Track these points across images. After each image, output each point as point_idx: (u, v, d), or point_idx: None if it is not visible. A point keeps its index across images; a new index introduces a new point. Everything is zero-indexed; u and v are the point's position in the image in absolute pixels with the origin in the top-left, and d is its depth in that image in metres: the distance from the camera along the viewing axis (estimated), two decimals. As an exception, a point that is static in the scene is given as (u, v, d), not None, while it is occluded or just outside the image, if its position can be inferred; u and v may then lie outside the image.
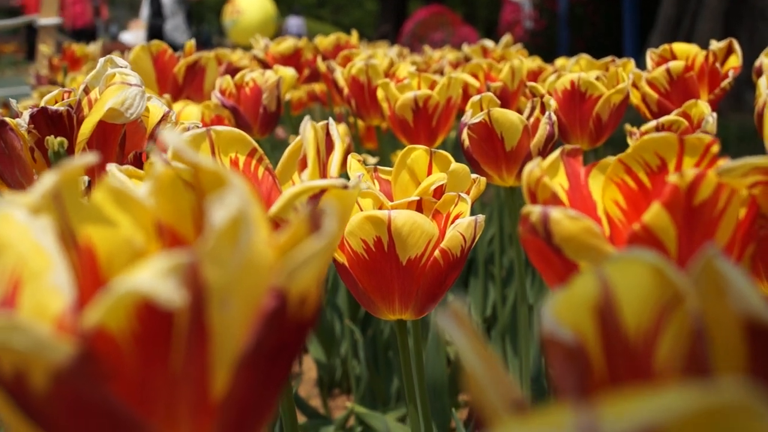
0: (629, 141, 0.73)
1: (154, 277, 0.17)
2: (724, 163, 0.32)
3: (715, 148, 0.36)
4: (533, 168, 0.34)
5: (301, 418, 1.18)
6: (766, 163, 0.31)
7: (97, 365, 0.17)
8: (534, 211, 0.31)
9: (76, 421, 0.18)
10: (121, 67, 0.49)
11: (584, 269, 0.30)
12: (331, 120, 0.33)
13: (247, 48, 2.10)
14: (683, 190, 0.32)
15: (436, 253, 0.46)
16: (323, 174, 0.33)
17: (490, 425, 0.14)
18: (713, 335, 0.18)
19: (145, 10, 5.59)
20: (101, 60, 0.51)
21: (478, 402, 0.15)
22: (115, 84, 0.48)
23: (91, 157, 0.22)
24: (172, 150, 0.22)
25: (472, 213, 0.48)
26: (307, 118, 0.32)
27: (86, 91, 0.51)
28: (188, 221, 0.22)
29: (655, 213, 0.32)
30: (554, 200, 0.34)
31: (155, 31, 5.33)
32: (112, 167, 0.35)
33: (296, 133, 0.70)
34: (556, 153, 0.38)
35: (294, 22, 9.81)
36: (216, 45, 9.11)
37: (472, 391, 0.15)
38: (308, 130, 0.31)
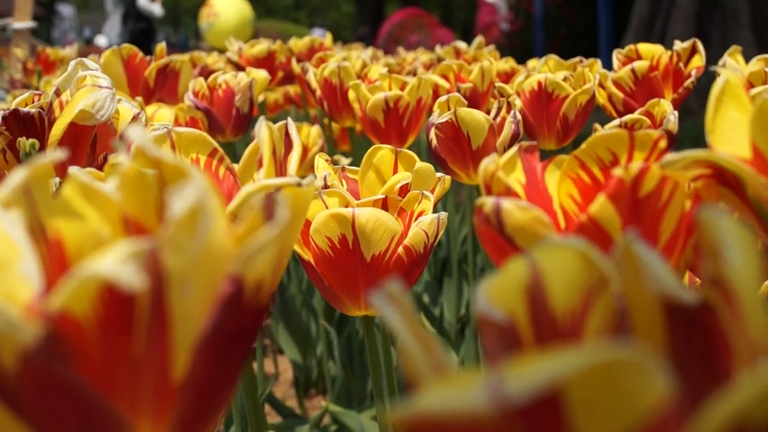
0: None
1: (115, 262, 0.18)
2: (668, 156, 0.34)
3: (663, 143, 0.37)
4: (488, 163, 0.35)
5: (277, 419, 1.19)
6: (705, 156, 0.32)
7: (63, 346, 0.19)
8: (487, 202, 0.33)
9: (43, 401, 0.19)
10: (92, 69, 0.50)
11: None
12: (289, 120, 0.34)
13: (224, 51, 2.10)
14: (628, 183, 0.33)
15: (400, 249, 0.48)
16: (281, 173, 0.34)
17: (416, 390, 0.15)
18: (634, 314, 0.19)
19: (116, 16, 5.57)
20: (72, 63, 0.52)
21: (411, 376, 0.16)
22: (86, 86, 0.49)
23: (60, 154, 0.23)
24: (136, 146, 0.23)
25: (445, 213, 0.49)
26: (261, 118, 0.33)
27: (57, 93, 0.52)
28: (152, 215, 0.24)
29: (600, 204, 0.33)
30: (508, 193, 0.35)
31: (136, 35, 5.32)
32: (74, 170, 0.36)
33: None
34: (514, 149, 0.39)
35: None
36: (193, 48, 9.09)
37: (405, 365, 0.16)
38: (263, 129, 0.32)
